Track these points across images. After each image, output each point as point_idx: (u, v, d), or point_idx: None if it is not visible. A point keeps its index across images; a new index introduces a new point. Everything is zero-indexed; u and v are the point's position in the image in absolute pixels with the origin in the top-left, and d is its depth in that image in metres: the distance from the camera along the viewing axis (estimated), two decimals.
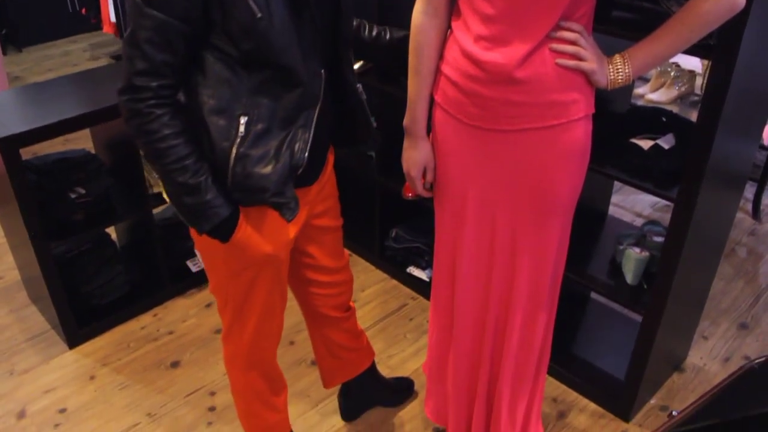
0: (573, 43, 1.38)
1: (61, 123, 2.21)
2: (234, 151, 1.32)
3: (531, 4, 1.33)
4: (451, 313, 1.80)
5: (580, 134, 1.47)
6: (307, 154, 1.37)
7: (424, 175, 1.67)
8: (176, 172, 1.31)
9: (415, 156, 1.64)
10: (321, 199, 1.64)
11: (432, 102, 1.58)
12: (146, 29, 1.21)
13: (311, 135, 1.37)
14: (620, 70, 1.43)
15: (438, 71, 1.53)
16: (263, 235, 1.46)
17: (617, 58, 1.44)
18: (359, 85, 1.55)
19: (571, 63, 1.39)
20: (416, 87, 1.55)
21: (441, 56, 1.52)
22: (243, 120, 1.31)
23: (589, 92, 1.46)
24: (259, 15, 1.22)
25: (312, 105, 1.36)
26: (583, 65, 1.40)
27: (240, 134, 1.32)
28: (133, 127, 1.29)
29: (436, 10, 1.47)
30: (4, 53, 5.39)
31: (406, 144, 1.65)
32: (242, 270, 1.51)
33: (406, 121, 1.61)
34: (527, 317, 1.70)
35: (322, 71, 1.37)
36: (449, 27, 1.51)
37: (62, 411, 2.26)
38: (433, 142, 1.62)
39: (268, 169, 1.33)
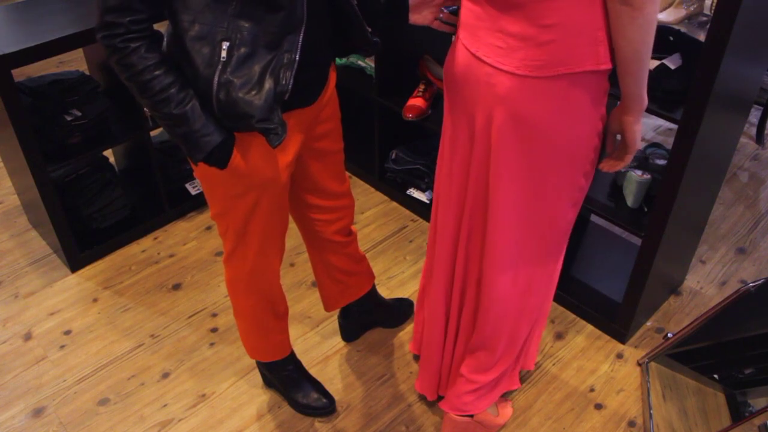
0: None
1: (54, 42, 2.15)
2: (216, 77, 1.29)
3: None
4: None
5: None
6: (292, 81, 1.33)
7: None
8: (161, 104, 1.29)
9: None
10: (321, 120, 1.61)
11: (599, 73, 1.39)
12: None
13: (297, 60, 1.32)
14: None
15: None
16: (261, 159, 1.44)
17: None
18: None
19: None
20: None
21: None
22: (225, 45, 1.28)
23: None
24: None
25: (296, 28, 1.31)
26: None
27: (222, 59, 1.28)
28: (113, 63, 1.28)
29: None
30: None
31: (636, 126, 1.44)
32: (242, 194, 1.50)
33: (644, 103, 1.40)
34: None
35: None
36: None
37: (67, 333, 2.30)
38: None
39: (252, 94, 1.30)
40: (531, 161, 1.44)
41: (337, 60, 2.78)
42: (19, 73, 2.13)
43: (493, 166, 1.48)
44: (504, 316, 1.70)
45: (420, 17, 1.56)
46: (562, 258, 1.72)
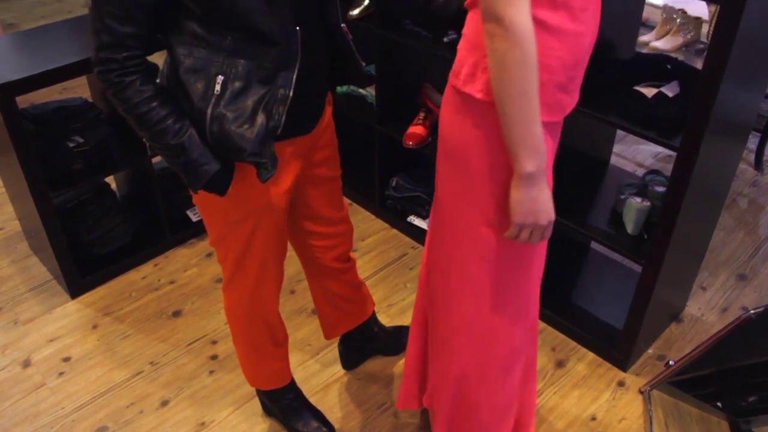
0: None
1: (58, 70, 2.17)
2: (210, 110, 1.31)
3: None
4: None
5: None
6: (285, 116, 1.35)
7: None
8: (158, 135, 1.31)
9: (548, 196, 1.28)
10: (319, 148, 1.62)
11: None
12: (107, 3, 1.20)
13: (290, 96, 1.34)
14: None
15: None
16: (259, 185, 1.45)
17: None
18: (343, 25, 1.49)
19: None
20: (536, 111, 1.17)
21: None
22: (219, 79, 1.30)
23: None
24: None
25: (291, 64, 1.33)
26: None
27: (216, 93, 1.31)
28: (110, 97, 1.30)
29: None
30: None
31: (531, 193, 1.25)
32: (241, 221, 1.51)
33: (531, 166, 1.20)
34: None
35: (298, 29, 1.32)
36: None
37: (66, 360, 2.29)
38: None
39: (245, 128, 1.32)
40: (445, 178, 1.42)
41: (338, 88, 2.80)
42: (23, 100, 2.15)
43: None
44: (447, 351, 1.59)
45: None
46: (513, 306, 1.51)
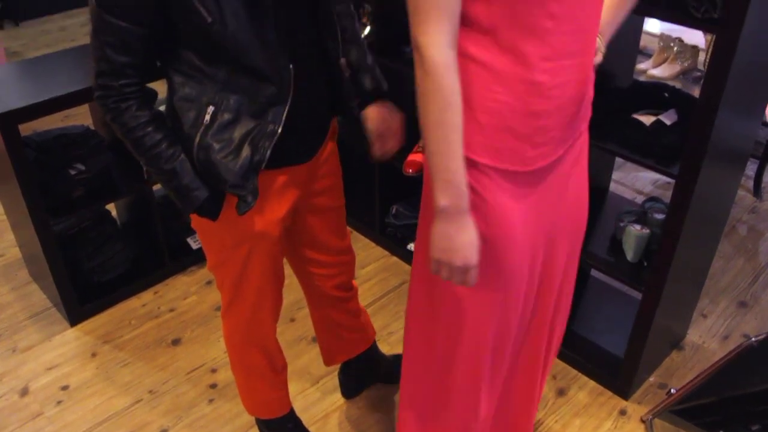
0: None
1: (60, 98, 2.19)
2: (197, 138, 1.34)
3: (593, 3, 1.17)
4: None
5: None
6: (270, 151, 1.36)
7: None
8: (152, 159, 1.35)
9: (470, 238, 1.22)
10: (319, 177, 1.62)
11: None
12: (106, 33, 1.24)
13: (279, 132, 1.36)
14: (601, 50, 1.37)
15: (472, 121, 1.21)
16: (253, 211, 1.46)
17: (598, 40, 1.36)
18: (343, 60, 1.50)
19: (599, 58, 1.34)
20: (457, 146, 1.15)
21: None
22: (210, 109, 1.33)
23: None
24: (210, 20, 1.22)
25: (282, 101, 1.34)
26: (600, 57, 1.36)
27: (205, 123, 1.33)
28: (108, 121, 1.34)
29: (455, 39, 1.13)
30: (2, 28, 5.37)
31: (446, 230, 1.22)
32: (236, 246, 1.52)
33: (444, 200, 1.18)
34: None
35: (291, 66, 1.33)
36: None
37: (65, 388, 2.27)
38: (475, 215, 1.26)
39: (229, 159, 1.35)
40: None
41: None
42: (26, 127, 2.17)
43: None
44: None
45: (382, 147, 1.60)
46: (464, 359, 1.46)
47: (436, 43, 1.09)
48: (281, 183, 1.48)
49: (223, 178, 1.35)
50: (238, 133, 1.34)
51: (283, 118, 1.35)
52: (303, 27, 1.37)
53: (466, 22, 1.13)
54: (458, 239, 1.22)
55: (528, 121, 1.20)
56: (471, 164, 1.21)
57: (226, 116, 1.33)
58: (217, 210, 1.42)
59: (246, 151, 1.35)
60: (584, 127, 1.37)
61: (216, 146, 1.34)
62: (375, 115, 1.62)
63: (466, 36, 1.15)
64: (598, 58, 1.38)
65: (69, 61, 2.47)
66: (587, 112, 1.36)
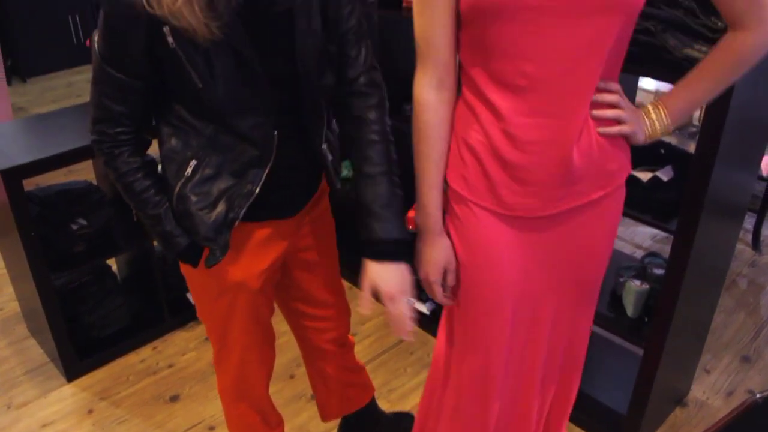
0: (612, 106, 1.27)
1: (64, 154, 2.22)
2: (177, 188, 1.38)
3: (577, 65, 1.17)
4: None
5: (621, 199, 1.42)
6: (245, 210, 1.39)
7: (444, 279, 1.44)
8: (141, 204, 1.40)
9: (433, 256, 1.39)
10: (305, 234, 1.62)
11: (446, 192, 1.38)
12: (104, 83, 1.28)
13: (255, 193, 1.38)
14: (657, 122, 1.33)
15: (456, 155, 1.34)
16: (230, 262, 1.47)
17: (651, 110, 1.33)
18: (324, 146, 1.46)
19: (614, 130, 1.29)
20: (429, 175, 1.33)
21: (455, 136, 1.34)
22: (192, 163, 1.36)
23: (629, 151, 1.38)
24: (200, 86, 1.25)
25: (263, 164, 1.36)
26: (624, 129, 1.30)
27: (186, 175, 1.37)
28: (103, 165, 1.39)
29: (442, 82, 1.27)
30: (9, 84, 5.45)
31: (418, 245, 1.41)
32: (217, 297, 1.54)
33: (418, 219, 1.39)
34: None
35: (275, 133, 1.35)
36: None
37: None
38: (457, 241, 1.40)
39: (204, 212, 1.38)
40: None
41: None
42: (29, 182, 2.19)
43: None
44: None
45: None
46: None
47: (421, 83, 1.29)
48: (264, 236, 1.50)
49: (196, 230, 1.39)
50: (216, 188, 1.37)
51: (262, 179, 1.38)
52: (293, 100, 1.37)
53: (462, 65, 1.28)
54: (425, 255, 1.41)
55: (502, 168, 1.27)
56: (455, 193, 1.36)
57: (207, 171, 1.36)
58: (196, 257, 1.45)
59: (221, 207, 1.38)
60: (600, 194, 1.35)
61: (193, 198, 1.37)
62: (373, 277, 1.50)
63: (463, 76, 1.30)
64: (639, 139, 1.34)
65: (73, 117, 2.51)
66: (600, 180, 1.33)
